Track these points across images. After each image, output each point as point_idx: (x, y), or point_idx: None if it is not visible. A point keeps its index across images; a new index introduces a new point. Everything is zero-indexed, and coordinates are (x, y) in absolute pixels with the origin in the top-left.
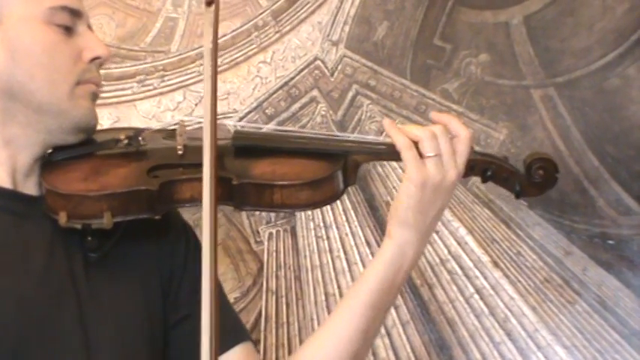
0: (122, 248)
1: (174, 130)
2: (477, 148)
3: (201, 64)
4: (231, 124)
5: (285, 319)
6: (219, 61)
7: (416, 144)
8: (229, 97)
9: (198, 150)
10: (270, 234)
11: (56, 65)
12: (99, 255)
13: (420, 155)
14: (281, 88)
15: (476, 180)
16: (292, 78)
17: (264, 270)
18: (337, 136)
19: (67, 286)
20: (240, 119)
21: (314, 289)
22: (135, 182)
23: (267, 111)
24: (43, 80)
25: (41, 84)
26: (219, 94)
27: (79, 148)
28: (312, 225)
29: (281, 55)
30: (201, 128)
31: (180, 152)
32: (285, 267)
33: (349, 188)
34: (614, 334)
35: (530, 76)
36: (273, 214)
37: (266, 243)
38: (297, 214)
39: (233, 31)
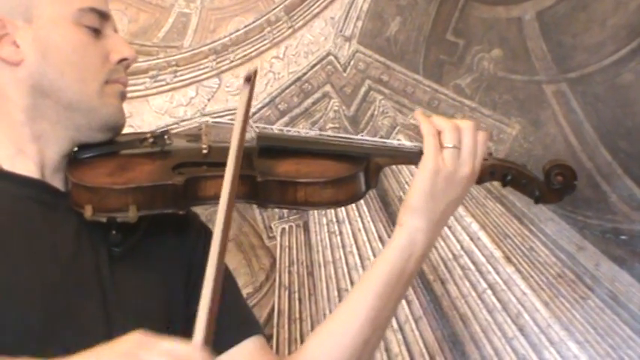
0: (145, 244)
1: (198, 132)
2: (489, 144)
3: (214, 60)
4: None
5: (297, 315)
6: (232, 56)
7: (440, 134)
8: None
9: (223, 150)
10: (283, 229)
11: (86, 64)
12: (122, 249)
13: (440, 145)
14: (294, 83)
15: None
16: (305, 73)
17: (277, 265)
18: (359, 139)
19: (91, 277)
20: (253, 115)
21: (326, 284)
22: (160, 177)
23: (279, 106)
24: (73, 78)
25: (71, 82)
26: (231, 89)
27: (104, 147)
28: (324, 220)
29: (294, 51)
30: (224, 129)
31: (205, 151)
32: (298, 262)
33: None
34: (626, 329)
35: (542, 72)
36: (286, 210)
37: (279, 238)
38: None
39: (245, 26)
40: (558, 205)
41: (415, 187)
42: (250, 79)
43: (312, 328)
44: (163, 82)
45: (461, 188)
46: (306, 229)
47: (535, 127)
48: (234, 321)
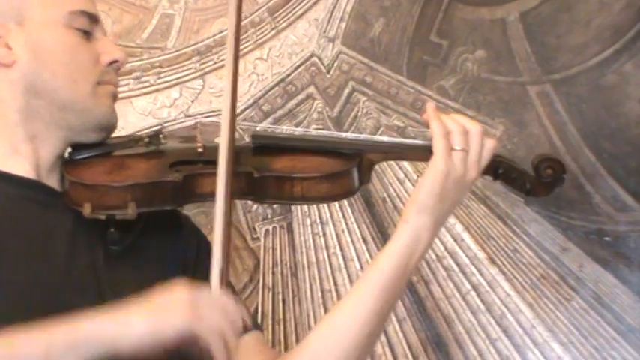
0: (141, 243)
1: (193, 132)
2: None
3: (198, 61)
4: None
5: (281, 316)
6: (215, 57)
7: (449, 135)
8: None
9: (217, 149)
10: (267, 230)
11: (77, 65)
12: (120, 248)
13: (450, 147)
14: (277, 84)
15: None
16: (288, 74)
17: (261, 266)
18: (351, 136)
19: (88, 276)
20: (237, 115)
21: (310, 285)
22: (159, 175)
23: (263, 107)
24: (66, 79)
25: (64, 82)
26: (215, 90)
27: (99, 148)
28: (308, 222)
29: (277, 52)
30: (219, 128)
31: (200, 150)
32: (282, 263)
33: None
34: (610, 330)
35: (526, 73)
36: (269, 211)
37: (262, 239)
38: (294, 210)
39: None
40: (542, 207)
41: (425, 187)
42: None
43: (296, 329)
44: (147, 84)
45: (466, 191)
46: (290, 230)
47: (519, 128)
48: None
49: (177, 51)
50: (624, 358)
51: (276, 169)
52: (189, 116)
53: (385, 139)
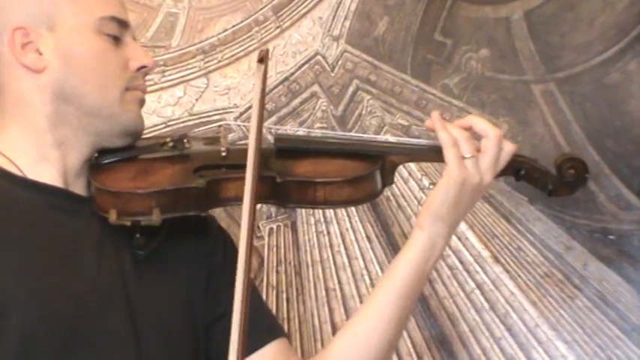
0: (167, 247)
1: (215, 136)
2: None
3: (202, 60)
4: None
5: (285, 315)
6: (220, 56)
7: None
8: (230, 93)
9: (241, 152)
10: (271, 229)
11: (106, 71)
12: (146, 252)
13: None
14: (281, 83)
15: None
16: (293, 73)
17: (265, 265)
18: (375, 138)
19: (116, 284)
20: (241, 114)
21: (314, 284)
22: (183, 180)
23: (267, 106)
24: (95, 85)
25: (93, 88)
26: (219, 89)
27: (125, 152)
28: (312, 220)
29: (282, 51)
30: (241, 133)
31: (223, 154)
32: (286, 262)
33: None
34: (614, 329)
35: (530, 72)
36: (273, 209)
37: (266, 238)
38: (299, 209)
39: (233, 26)
40: (546, 205)
41: (440, 195)
42: (263, 60)
43: (300, 327)
44: (151, 82)
45: (480, 195)
46: (294, 228)
47: (523, 126)
48: (258, 325)
49: (181, 49)
50: (628, 357)
51: (298, 174)
52: (194, 115)
53: (407, 139)
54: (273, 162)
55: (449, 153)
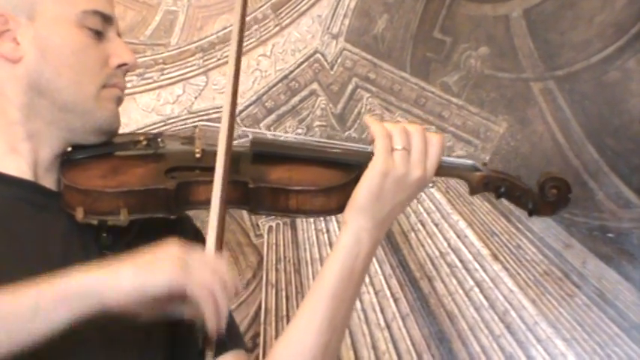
0: (136, 244)
1: (192, 135)
2: (476, 142)
3: (201, 58)
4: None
5: (284, 312)
6: (219, 54)
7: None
8: None
9: (216, 154)
10: (270, 227)
11: (84, 67)
12: (113, 252)
13: (391, 148)
14: (281, 81)
15: None
16: (292, 71)
17: (264, 263)
18: (354, 145)
19: None
20: (240, 112)
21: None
22: (153, 181)
23: (266, 104)
24: (70, 80)
25: (68, 83)
26: (218, 87)
27: (98, 148)
28: (311, 218)
29: (281, 49)
30: (218, 133)
31: (198, 155)
32: (285, 260)
33: None
34: (613, 326)
35: (529, 70)
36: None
37: (266, 236)
38: None
39: (232, 24)
40: None
41: (362, 187)
42: None
43: None
44: (150, 80)
45: (410, 191)
46: (293, 226)
47: (522, 124)
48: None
49: (180, 48)
50: (627, 355)
51: (272, 180)
52: (193, 113)
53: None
54: (247, 167)
55: (377, 143)
